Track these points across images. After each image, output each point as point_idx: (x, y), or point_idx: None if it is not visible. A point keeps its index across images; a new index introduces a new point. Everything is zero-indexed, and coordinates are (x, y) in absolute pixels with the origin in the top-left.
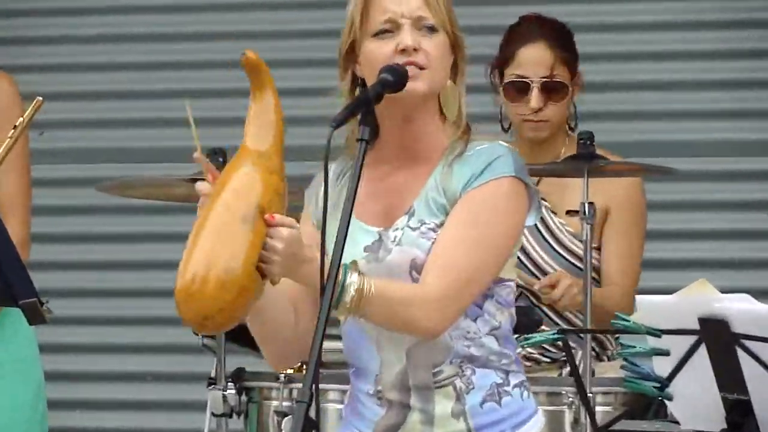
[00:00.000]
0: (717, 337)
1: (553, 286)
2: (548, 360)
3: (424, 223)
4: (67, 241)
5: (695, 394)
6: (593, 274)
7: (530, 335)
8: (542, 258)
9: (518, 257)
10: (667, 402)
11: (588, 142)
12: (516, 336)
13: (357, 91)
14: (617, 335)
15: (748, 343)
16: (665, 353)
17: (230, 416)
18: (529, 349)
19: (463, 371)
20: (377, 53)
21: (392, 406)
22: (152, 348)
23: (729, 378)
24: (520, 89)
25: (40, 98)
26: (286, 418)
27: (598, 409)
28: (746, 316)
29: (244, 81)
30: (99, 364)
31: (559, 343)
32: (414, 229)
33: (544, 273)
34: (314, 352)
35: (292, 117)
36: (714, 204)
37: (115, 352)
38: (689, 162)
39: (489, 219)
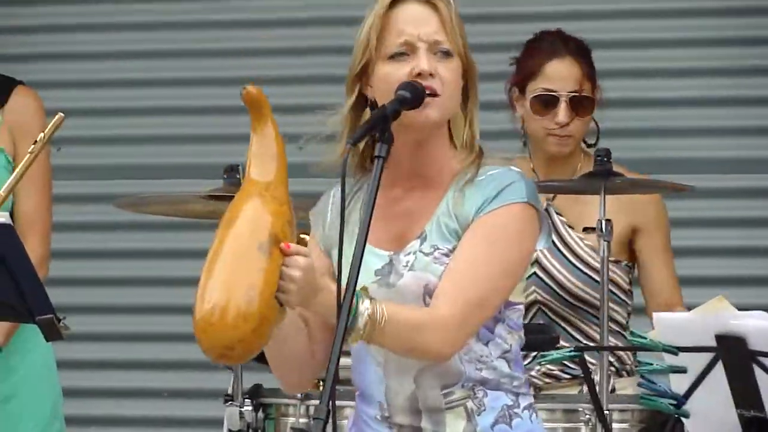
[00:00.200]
0: (734, 354)
1: None
2: (569, 377)
3: (437, 249)
4: (83, 258)
5: (712, 411)
6: (611, 288)
7: (547, 352)
8: (560, 272)
9: (536, 273)
10: (683, 419)
11: (605, 159)
12: (534, 353)
13: (359, 113)
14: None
15: (764, 360)
16: (682, 370)
17: None
18: (549, 366)
19: (475, 393)
20: (392, 76)
21: (402, 430)
22: (169, 364)
23: (746, 395)
24: (547, 103)
25: (62, 114)
26: None
27: (615, 426)
28: (763, 333)
29: None
30: (115, 381)
31: (577, 359)
32: (427, 255)
33: (563, 287)
34: (331, 369)
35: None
36: (731, 221)
37: (132, 368)
38: (706, 179)
39: (501, 244)
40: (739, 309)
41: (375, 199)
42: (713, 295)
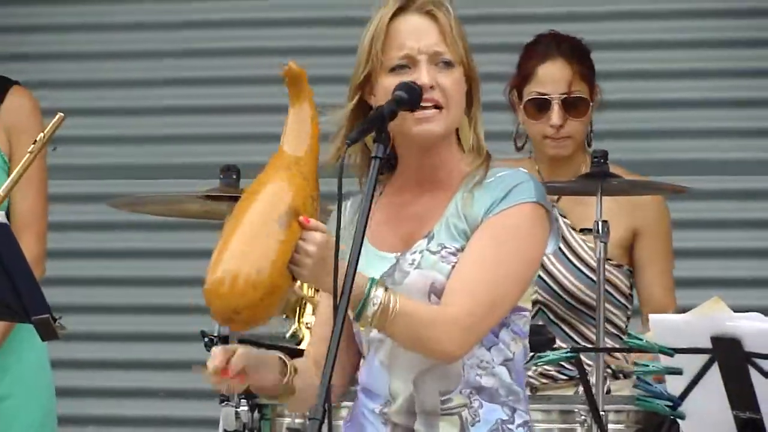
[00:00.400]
0: (729, 356)
1: None
2: (565, 377)
3: (445, 247)
4: (79, 257)
5: (708, 412)
6: (610, 290)
7: (543, 353)
8: (562, 274)
9: (539, 275)
10: (679, 421)
11: (602, 161)
12: (530, 354)
13: (358, 116)
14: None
15: (760, 361)
16: (678, 372)
17: None
18: (545, 367)
19: (471, 403)
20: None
21: (396, 429)
22: (165, 364)
23: (741, 396)
24: (540, 106)
25: (62, 114)
26: None
27: (610, 427)
28: (759, 334)
29: (257, 97)
30: (111, 380)
31: (574, 360)
32: (434, 253)
33: (564, 289)
34: (327, 370)
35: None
36: (727, 222)
37: (128, 368)
38: (703, 180)
39: (511, 244)
40: (735, 310)
41: (372, 198)
42: (709, 297)
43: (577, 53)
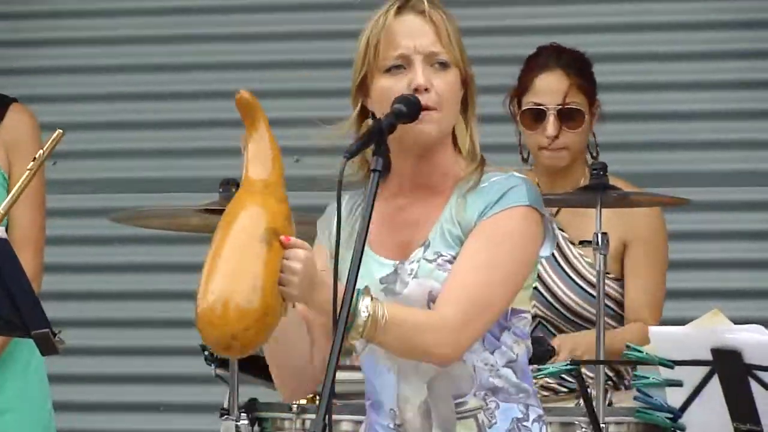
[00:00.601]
0: (730, 368)
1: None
2: (566, 390)
3: (441, 255)
4: (79, 272)
5: (708, 424)
6: (609, 304)
7: (543, 366)
8: (560, 288)
9: (537, 287)
10: None
11: (601, 173)
12: (531, 366)
13: (364, 124)
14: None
15: (760, 373)
16: (678, 384)
17: None
18: (547, 379)
19: (487, 404)
20: (389, 90)
21: None
22: (165, 378)
23: (742, 408)
24: (536, 117)
25: (61, 130)
26: None
27: None
28: (759, 346)
29: None
30: (111, 395)
31: (574, 373)
32: (430, 261)
33: (562, 303)
34: (328, 383)
35: (298, 148)
36: (727, 234)
37: (128, 382)
38: (704, 192)
39: (504, 247)
40: (735, 322)
41: (371, 212)
42: (709, 309)
43: (576, 65)
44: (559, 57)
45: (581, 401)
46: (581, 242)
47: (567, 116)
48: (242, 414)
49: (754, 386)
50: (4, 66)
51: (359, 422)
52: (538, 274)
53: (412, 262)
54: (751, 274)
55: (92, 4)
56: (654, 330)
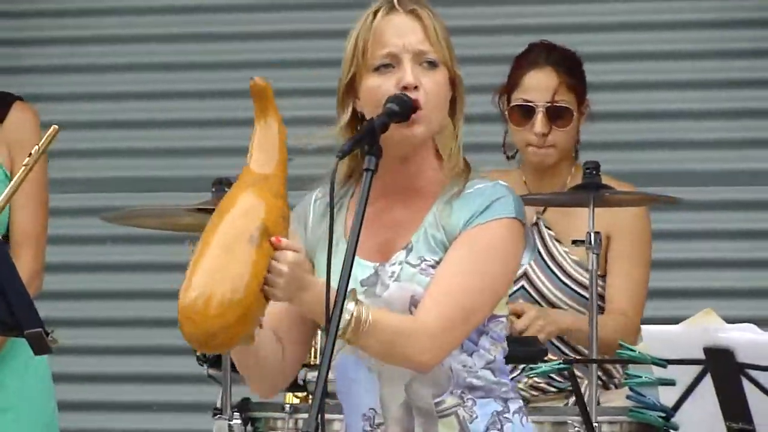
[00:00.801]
0: (722, 367)
1: (517, 315)
2: (555, 390)
3: (424, 260)
4: (72, 271)
5: (701, 423)
6: (600, 303)
7: (536, 365)
8: (547, 287)
9: (523, 286)
10: None
11: (594, 172)
12: (522, 366)
13: (354, 126)
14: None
15: (753, 372)
16: (671, 383)
17: None
18: (536, 379)
19: (464, 401)
20: (378, 90)
21: None
22: (157, 377)
23: (734, 407)
24: (525, 114)
25: (56, 126)
26: None
27: None
28: (751, 345)
29: (250, 110)
30: (104, 394)
31: (566, 372)
32: (414, 266)
33: (549, 302)
34: (320, 382)
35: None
36: (719, 233)
37: (121, 381)
38: (695, 191)
39: (488, 258)
40: (728, 321)
41: (364, 211)
42: (701, 307)
43: (566, 63)
44: (549, 54)
45: (571, 401)
46: (574, 242)
47: (555, 114)
48: (235, 413)
49: (747, 385)
50: (9, 64)
51: None
52: (526, 274)
53: (393, 264)
54: (742, 273)
55: (92, 4)
56: (646, 329)
